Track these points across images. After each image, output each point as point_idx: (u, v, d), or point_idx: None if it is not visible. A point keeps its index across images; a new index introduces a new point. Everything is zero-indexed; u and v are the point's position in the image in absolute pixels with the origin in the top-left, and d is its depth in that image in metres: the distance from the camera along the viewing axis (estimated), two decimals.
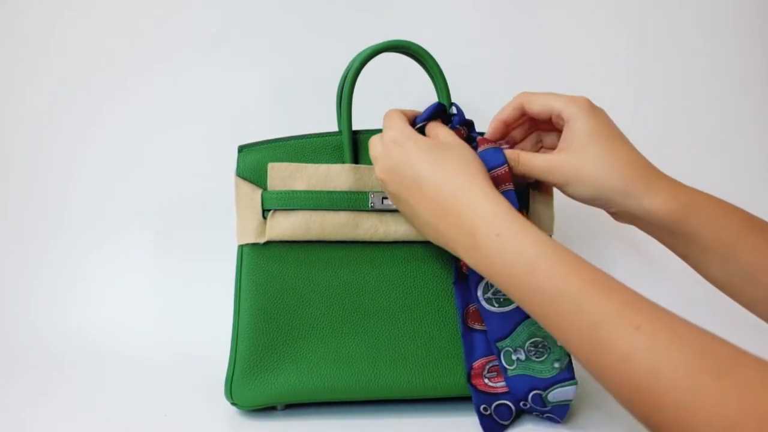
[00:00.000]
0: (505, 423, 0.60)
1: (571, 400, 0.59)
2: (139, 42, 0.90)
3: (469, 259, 0.49)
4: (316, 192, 0.62)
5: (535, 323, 0.58)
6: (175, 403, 0.66)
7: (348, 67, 0.65)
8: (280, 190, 0.62)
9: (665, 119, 0.94)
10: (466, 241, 0.49)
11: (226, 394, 0.62)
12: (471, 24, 0.93)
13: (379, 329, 0.62)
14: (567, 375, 0.59)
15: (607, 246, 0.92)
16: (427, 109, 0.60)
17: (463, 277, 0.60)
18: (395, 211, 0.62)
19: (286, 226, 0.62)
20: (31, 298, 0.88)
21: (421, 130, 0.60)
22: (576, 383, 0.58)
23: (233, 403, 0.62)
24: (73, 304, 0.88)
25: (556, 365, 0.59)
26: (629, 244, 0.91)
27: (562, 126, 0.57)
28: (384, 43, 0.63)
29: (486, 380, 0.60)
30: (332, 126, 0.67)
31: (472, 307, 0.61)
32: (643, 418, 0.39)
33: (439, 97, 0.65)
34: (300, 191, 0.62)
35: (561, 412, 0.59)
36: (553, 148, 0.60)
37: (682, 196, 0.53)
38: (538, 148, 0.63)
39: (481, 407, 0.59)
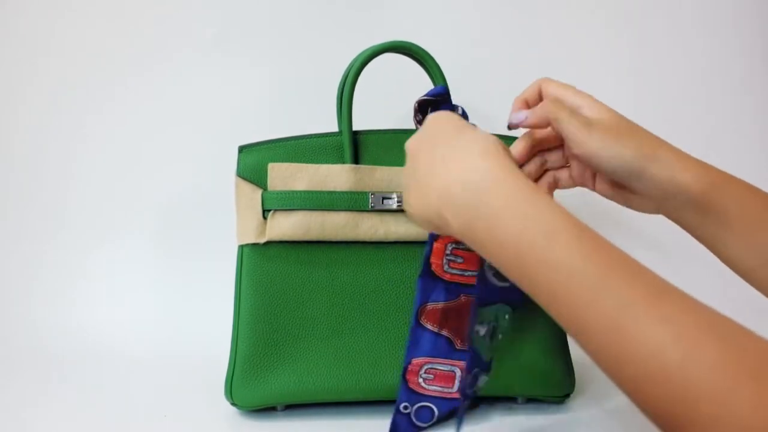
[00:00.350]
0: (422, 426, 0.59)
1: (480, 390, 0.58)
2: (139, 42, 0.90)
3: (478, 226, 0.44)
4: (316, 192, 0.62)
5: (503, 311, 0.56)
6: (175, 404, 0.66)
7: (348, 67, 0.65)
8: (280, 190, 0.62)
9: (665, 119, 0.94)
10: (480, 199, 0.44)
11: (226, 394, 0.62)
12: (471, 25, 0.93)
13: (380, 329, 0.62)
14: (487, 366, 0.58)
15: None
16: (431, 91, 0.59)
17: (430, 274, 0.60)
18: (395, 211, 0.63)
19: (287, 226, 0.62)
20: (32, 298, 0.88)
21: (423, 113, 0.59)
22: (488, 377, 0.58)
23: (233, 404, 0.62)
24: (73, 304, 0.88)
25: (489, 355, 0.58)
26: (629, 245, 0.91)
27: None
28: (384, 43, 0.63)
29: (421, 380, 0.60)
30: (332, 126, 0.67)
31: (429, 306, 0.60)
32: (670, 418, 0.35)
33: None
34: (300, 191, 0.62)
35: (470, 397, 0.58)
36: (558, 167, 0.59)
37: (709, 169, 0.52)
38: (543, 171, 0.62)
39: (402, 405, 0.59)
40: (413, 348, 0.60)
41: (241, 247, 0.64)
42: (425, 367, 0.60)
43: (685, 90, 0.94)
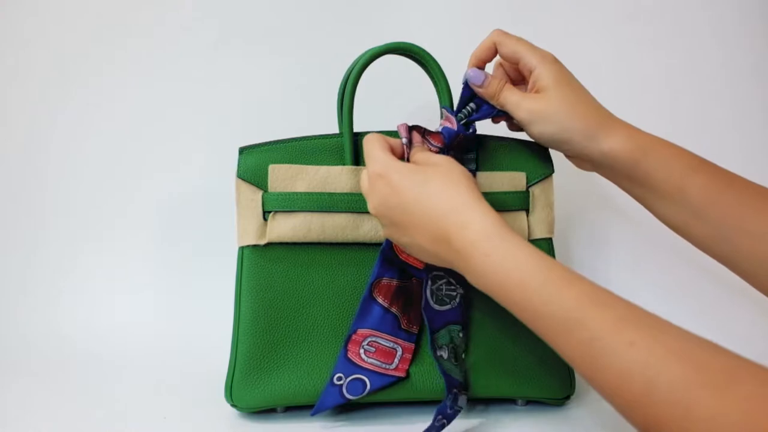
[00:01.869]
0: (350, 398, 0.60)
1: (462, 409, 0.59)
2: (140, 43, 0.90)
3: (469, 279, 0.49)
4: (316, 194, 0.62)
5: (455, 330, 0.61)
6: (174, 405, 0.66)
7: (349, 69, 0.65)
8: (280, 191, 0.62)
9: (665, 119, 0.95)
10: (460, 264, 0.49)
11: (226, 396, 0.62)
12: (472, 26, 0.93)
13: None
14: (463, 386, 0.60)
15: (607, 244, 0.92)
16: (447, 131, 0.60)
17: (391, 252, 0.60)
18: None
19: (287, 227, 0.62)
20: (31, 299, 0.88)
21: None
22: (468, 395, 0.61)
23: (233, 405, 0.62)
24: (73, 306, 0.88)
25: (461, 375, 0.60)
26: (629, 245, 0.91)
27: (526, 74, 0.60)
28: (386, 45, 0.63)
29: (362, 351, 0.60)
30: (333, 128, 0.67)
31: (384, 281, 0.61)
32: (645, 430, 0.39)
33: (440, 99, 0.65)
34: (301, 193, 0.62)
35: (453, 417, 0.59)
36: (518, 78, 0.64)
37: (636, 138, 0.57)
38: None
39: (336, 376, 0.60)
40: (361, 318, 0.61)
41: (242, 249, 0.64)
42: (369, 339, 0.60)
43: (685, 90, 0.95)
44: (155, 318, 0.86)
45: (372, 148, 0.56)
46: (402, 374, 0.61)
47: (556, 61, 0.60)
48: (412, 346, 0.61)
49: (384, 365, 0.60)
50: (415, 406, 0.64)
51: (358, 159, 0.64)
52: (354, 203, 0.62)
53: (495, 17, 0.93)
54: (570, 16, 0.94)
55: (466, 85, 0.62)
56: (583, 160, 0.60)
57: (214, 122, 0.90)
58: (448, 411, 0.58)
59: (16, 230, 0.90)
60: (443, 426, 0.57)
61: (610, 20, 0.94)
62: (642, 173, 0.56)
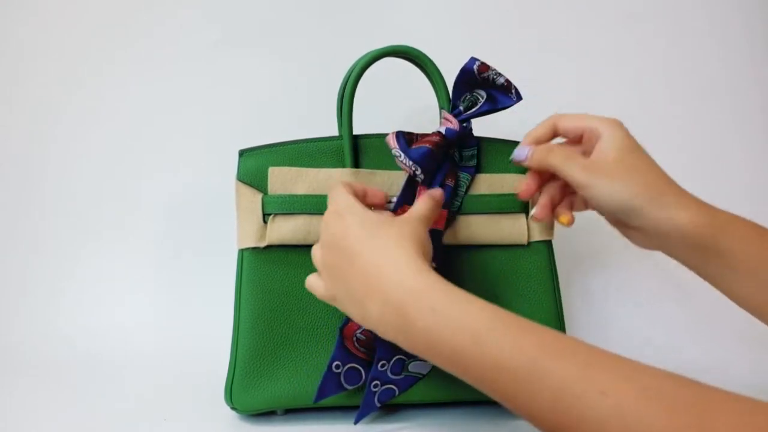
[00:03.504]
0: (348, 387, 0.60)
1: (424, 375, 0.59)
2: (140, 45, 0.90)
3: (403, 341, 0.44)
4: (316, 196, 0.62)
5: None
6: (174, 408, 0.66)
7: (349, 71, 0.65)
8: (280, 194, 0.62)
9: (664, 119, 0.95)
10: (396, 321, 0.43)
11: (226, 398, 0.62)
12: (472, 29, 0.93)
13: None
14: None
15: (606, 249, 0.92)
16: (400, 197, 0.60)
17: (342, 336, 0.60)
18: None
19: (287, 230, 0.62)
20: (31, 301, 0.88)
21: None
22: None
23: (233, 408, 0.62)
24: (73, 308, 0.88)
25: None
26: (629, 251, 0.91)
27: (591, 145, 0.56)
28: (385, 48, 0.63)
29: (354, 340, 0.60)
30: (333, 130, 0.67)
31: None
32: None
33: (439, 102, 0.65)
34: (300, 195, 0.62)
35: (406, 384, 0.59)
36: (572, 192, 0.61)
37: (712, 212, 0.53)
38: (564, 193, 0.62)
39: (334, 364, 0.59)
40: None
41: (242, 251, 0.64)
42: (361, 329, 0.60)
43: (684, 91, 0.95)
44: (155, 320, 0.87)
45: (337, 190, 0.53)
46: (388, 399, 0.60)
47: (623, 127, 0.56)
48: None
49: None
50: (415, 406, 0.64)
51: (357, 161, 0.64)
52: None
53: (494, 19, 0.93)
54: (570, 17, 0.94)
55: (462, 73, 0.60)
56: (648, 232, 0.54)
57: (213, 125, 0.90)
58: (395, 374, 0.56)
59: (17, 231, 0.90)
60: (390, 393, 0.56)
61: (610, 21, 0.94)
62: (719, 249, 0.52)
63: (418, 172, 0.59)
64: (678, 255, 0.55)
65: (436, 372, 0.61)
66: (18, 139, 0.91)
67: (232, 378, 0.62)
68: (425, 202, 0.52)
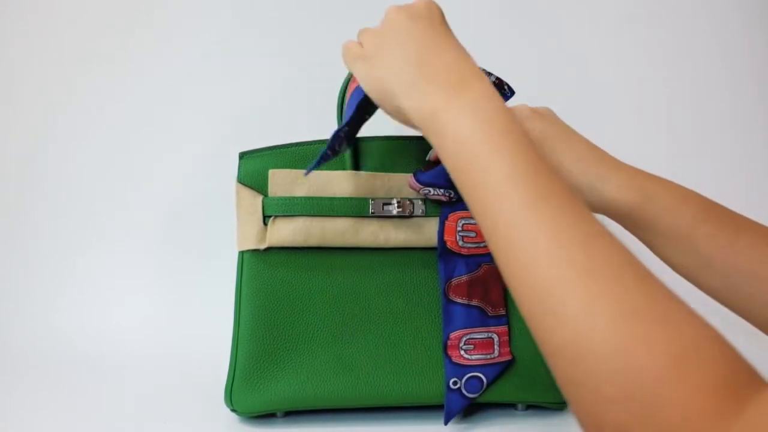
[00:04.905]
0: (472, 396, 0.60)
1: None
2: (140, 45, 0.90)
3: (425, 132, 0.45)
4: (316, 198, 0.62)
5: None
6: (174, 410, 0.66)
7: (349, 73, 0.65)
8: (280, 196, 0.62)
9: (665, 119, 0.94)
10: (432, 119, 0.44)
11: (225, 400, 0.62)
12: (471, 29, 0.93)
13: (380, 336, 0.62)
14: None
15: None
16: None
17: (447, 252, 0.61)
18: (396, 217, 0.63)
19: (287, 232, 0.62)
20: (30, 302, 0.88)
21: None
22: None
23: (233, 410, 0.62)
24: (72, 310, 0.88)
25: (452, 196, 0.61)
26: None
27: None
28: None
29: (462, 352, 0.61)
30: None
31: (454, 281, 0.61)
32: (541, 336, 0.36)
33: None
34: (301, 197, 0.62)
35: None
36: None
37: (638, 183, 0.54)
38: None
39: (451, 381, 0.60)
40: (448, 324, 0.61)
41: (242, 253, 0.64)
42: (464, 338, 0.61)
43: (683, 91, 0.95)
44: (155, 322, 0.86)
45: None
46: (507, 357, 0.62)
47: (533, 115, 0.57)
48: (506, 328, 0.62)
49: (488, 356, 0.61)
50: (416, 408, 0.64)
51: (358, 164, 0.64)
52: (354, 208, 0.62)
53: (494, 20, 0.93)
54: (570, 17, 0.94)
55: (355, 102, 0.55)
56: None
57: (214, 126, 0.90)
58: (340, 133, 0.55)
59: (17, 231, 0.90)
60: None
61: (610, 21, 0.94)
62: (646, 219, 0.54)
63: (452, 194, 0.60)
64: (617, 222, 0.57)
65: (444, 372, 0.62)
66: (18, 139, 0.91)
67: (232, 380, 0.62)
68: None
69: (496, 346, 0.62)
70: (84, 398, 0.69)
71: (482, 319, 0.62)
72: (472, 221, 0.61)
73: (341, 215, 0.62)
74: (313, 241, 0.62)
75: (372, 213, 0.62)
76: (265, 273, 0.63)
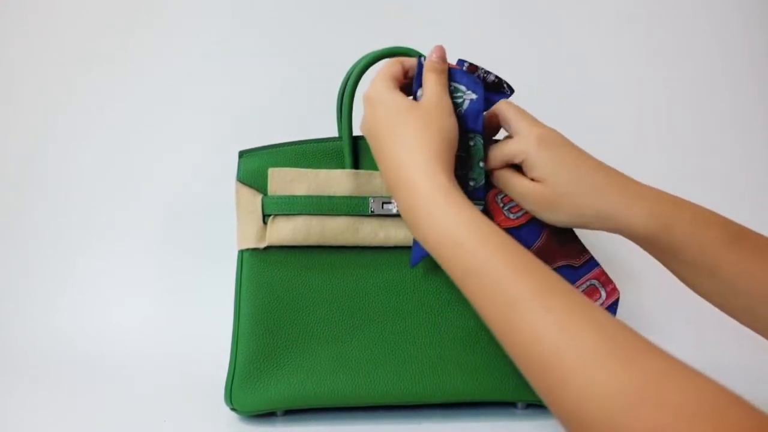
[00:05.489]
0: None
1: None
2: (140, 45, 0.90)
3: (412, 231, 0.51)
4: (316, 197, 0.62)
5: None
6: (174, 409, 0.66)
7: (348, 72, 0.65)
8: (280, 194, 0.62)
9: (664, 119, 0.95)
10: (408, 212, 0.51)
11: (225, 399, 0.62)
12: (471, 30, 0.93)
13: (379, 334, 0.62)
14: (479, 195, 0.59)
15: (603, 247, 0.92)
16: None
17: (508, 232, 0.60)
18: (395, 216, 0.63)
19: (287, 230, 0.62)
20: (30, 302, 0.88)
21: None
22: (483, 205, 0.59)
23: (233, 409, 0.62)
24: (72, 309, 0.88)
25: (471, 183, 0.59)
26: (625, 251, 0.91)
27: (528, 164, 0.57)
28: (384, 49, 0.63)
29: (507, 213, 0.60)
30: (333, 132, 0.67)
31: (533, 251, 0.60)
32: (547, 395, 0.40)
33: None
34: (300, 196, 0.62)
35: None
36: None
37: (661, 209, 0.53)
38: None
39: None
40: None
41: (241, 252, 0.64)
42: (500, 196, 0.60)
43: (683, 91, 0.95)
44: (155, 321, 0.86)
45: (379, 72, 0.58)
46: (616, 295, 0.60)
47: (543, 141, 0.56)
48: (599, 268, 0.61)
49: (599, 302, 0.60)
50: (415, 406, 0.64)
51: (357, 162, 0.64)
52: (353, 206, 0.62)
53: (494, 21, 0.93)
54: (570, 17, 0.94)
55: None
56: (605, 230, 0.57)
57: (213, 125, 0.90)
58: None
59: (17, 231, 0.90)
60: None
61: (610, 21, 0.94)
62: (669, 247, 0.53)
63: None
64: (638, 245, 0.56)
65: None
66: (18, 139, 0.91)
67: (232, 378, 0.62)
68: (430, 80, 0.56)
69: (601, 290, 0.60)
70: (84, 398, 0.69)
71: (575, 274, 0.60)
72: (503, 194, 0.60)
73: (341, 214, 0.62)
74: (312, 240, 0.62)
75: (372, 211, 0.62)
76: (265, 272, 0.63)
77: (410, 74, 0.60)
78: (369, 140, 0.56)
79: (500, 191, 0.60)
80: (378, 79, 0.57)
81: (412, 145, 0.51)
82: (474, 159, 0.58)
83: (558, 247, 0.60)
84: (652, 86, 0.94)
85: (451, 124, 0.54)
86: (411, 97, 0.59)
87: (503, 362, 0.63)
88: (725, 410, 0.33)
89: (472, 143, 0.59)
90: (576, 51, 0.94)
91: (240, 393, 0.61)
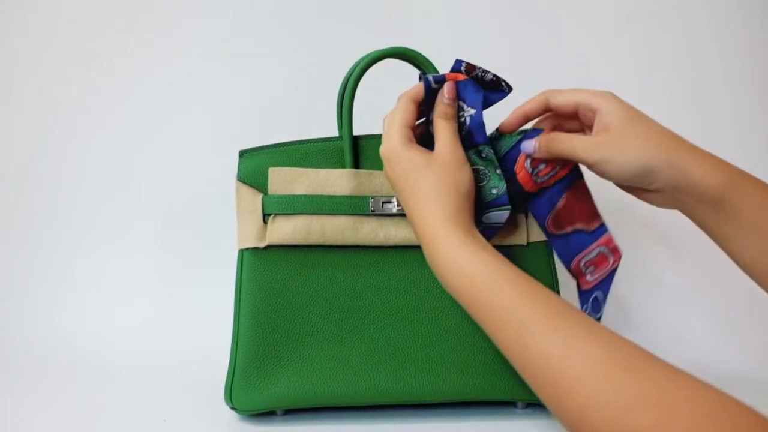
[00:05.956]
0: (597, 316, 0.60)
1: (502, 224, 0.60)
2: (140, 45, 0.90)
3: (436, 275, 0.54)
4: (316, 196, 0.62)
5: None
6: (174, 408, 0.66)
7: (349, 72, 0.65)
8: (280, 194, 0.62)
9: (664, 119, 0.95)
10: (430, 262, 0.54)
11: (225, 398, 0.62)
12: (471, 30, 0.93)
13: (379, 334, 0.62)
14: (503, 201, 0.59)
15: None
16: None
17: (530, 197, 0.61)
18: (395, 215, 0.63)
19: (287, 230, 0.62)
20: (30, 302, 0.88)
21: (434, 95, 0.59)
22: (510, 209, 0.59)
23: (233, 408, 0.62)
24: (72, 309, 0.88)
25: (494, 191, 0.59)
26: (627, 251, 0.91)
27: (589, 119, 0.57)
28: (385, 49, 0.63)
29: (588, 276, 0.61)
30: (333, 131, 0.67)
31: (549, 219, 0.61)
32: (556, 408, 0.42)
33: None
34: (301, 195, 0.62)
35: (490, 234, 0.61)
36: (574, 130, 0.61)
37: (725, 169, 0.53)
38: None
39: (583, 308, 0.61)
40: (565, 256, 0.61)
41: (242, 252, 0.64)
42: (582, 262, 0.61)
43: (684, 91, 0.95)
44: (155, 320, 0.86)
45: (391, 117, 0.59)
46: (618, 258, 0.61)
47: (618, 98, 0.56)
48: (608, 235, 0.61)
49: (605, 271, 0.61)
50: (415, 406, 0.64)
51: (358, 162, 0.64)
52: (354, 206, 0.62)
53: (494, 21, 0.93)
54: (570, 17, 0.94)
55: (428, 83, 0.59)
56: (666, 192, 0.54)
57: (214, 125, 0.90)
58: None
59: (17, 231, 0.90)
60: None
61: (610, 21, 0.94)
62: (731, 209, 0.52)
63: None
64: (691, 211, 0.55)
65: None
66: (18, 139, 0.91)
67: (232, 378, 0.62)
68: (442, 129, 0.58)
69: (609, 256, 0.61)
70: (84, 398, 0.69)
71: (586, 238, 0.61)
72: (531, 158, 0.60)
73: (341, 213, 0.62)
74: (312, 239, 0.62)
75: (372, 211, 0.62)
76: (265, 271, 0.63)
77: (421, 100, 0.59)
78: (393, 187, 0.58)
79: (528, 156, 0.60)
80: (392, 133, 0.57)
81: (430, 203, 0.54)
82: (490, 168, 0.59)
83: (577, 207, 0.61)
84: (652, 86, 0.94)
85: (466, 175, 0.56)
86: (423, 121, 0.61)
87: (503, 362, 0.63)
88: (726, 412, 0.34)
89: (484, 155, 0.59)
90: (576, 51, 0.94)
91: (240, 392, 0.61)
